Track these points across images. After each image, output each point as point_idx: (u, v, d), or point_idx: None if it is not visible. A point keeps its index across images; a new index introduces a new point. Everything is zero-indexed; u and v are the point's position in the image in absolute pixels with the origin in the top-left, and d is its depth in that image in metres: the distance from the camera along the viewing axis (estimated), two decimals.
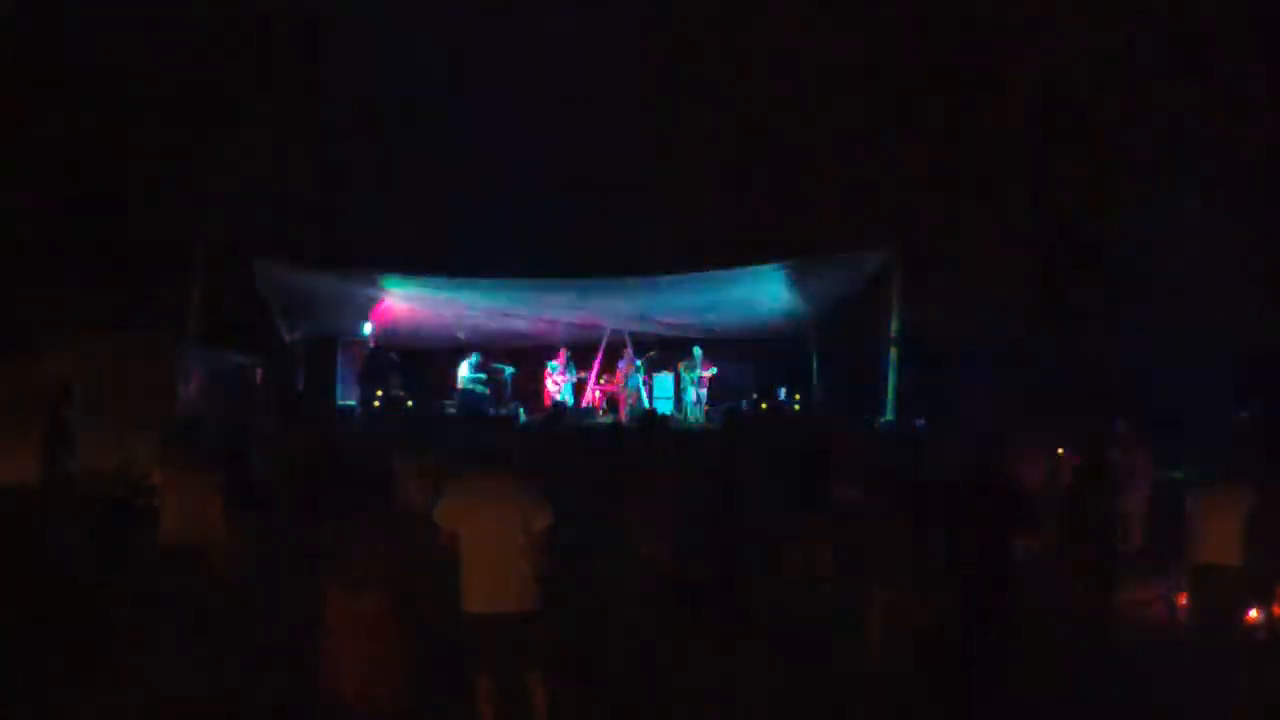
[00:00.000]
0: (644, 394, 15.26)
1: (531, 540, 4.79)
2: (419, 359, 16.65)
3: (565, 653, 5.43)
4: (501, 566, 4.75)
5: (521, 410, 14.69)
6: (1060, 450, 8.32)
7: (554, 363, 15.46)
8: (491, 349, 15.75)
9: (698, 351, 15.24)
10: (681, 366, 15.27)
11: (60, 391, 8.56)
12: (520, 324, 15.81)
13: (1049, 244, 14.57)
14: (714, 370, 15.19)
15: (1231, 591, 5.55)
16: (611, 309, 15.21)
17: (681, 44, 16.07)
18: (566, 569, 5.24)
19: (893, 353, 13.11)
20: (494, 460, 5.02)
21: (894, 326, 13.13)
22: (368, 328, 14.82)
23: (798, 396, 15.12)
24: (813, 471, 7.84)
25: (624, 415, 14.61)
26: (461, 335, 15.22)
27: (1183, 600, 5.96)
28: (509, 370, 15.48)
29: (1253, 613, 6.11)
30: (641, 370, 15.35)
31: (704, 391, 15.16)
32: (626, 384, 15.20)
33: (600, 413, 15.26)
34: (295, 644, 5.98)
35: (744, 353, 16.28)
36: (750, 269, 13.81)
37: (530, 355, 16.02)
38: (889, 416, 12.86)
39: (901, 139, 15.11)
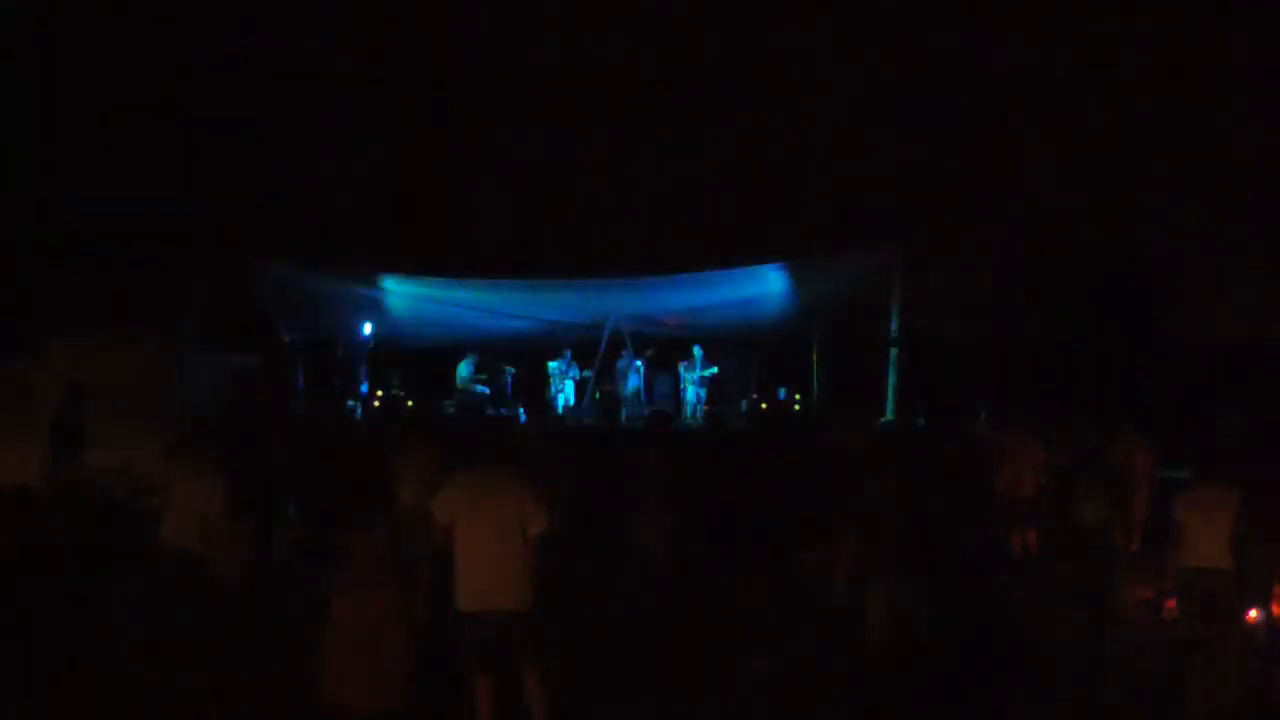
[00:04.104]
0: (643, 394, 15.24)
1: (528, 541, 4.78)
2: (419, 359, 16.64)
3: (566, 652, 5.43)
4: (496, 564, 4.72)
5: (522, 410, 14.68)
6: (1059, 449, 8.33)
7: (556, 362, 15.44)
8: (492, 349, 15.73)
9: (698, 351, 15.21)
10: (682, 366, 15.24)
11: (72, 392, 8.55)
12: (520, 324, 15.80)
13: (1050, 244, 14.58)
14: (714, 370, 15.16)
15: (1220, 594, 5.55)
16: (611, 309, 15.19)
17: (682, 43, 16.09)
18: (566, 568, 5.23)
19: (893, 353, 13.11)
20: (493, 457, 5.02)
21: (894, 326, 13.14)
22: (368, 328, 14.82)
23: (798, 396, 15.12)
24: (812, 473, 7.86)
25: (623, 416, 14.60)
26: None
27: (1172, 604, 5.97)
28: (510, 370, 15.45)
29: (1252, 613, 6.12)
30: (641, 370, 15.32)
31: (703, 391, 15.13)
32: (626, 384, 15.17)
33: (600, 412, 15.22)
34: (296, 644, 5.99)
35: (744, 353, 16.26)
36: (750, 269, 13.81)
37: (531, 355, 15.99)
38: (889, 416, 12.87)
39: (902, 138, 15.13)
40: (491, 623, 4.72)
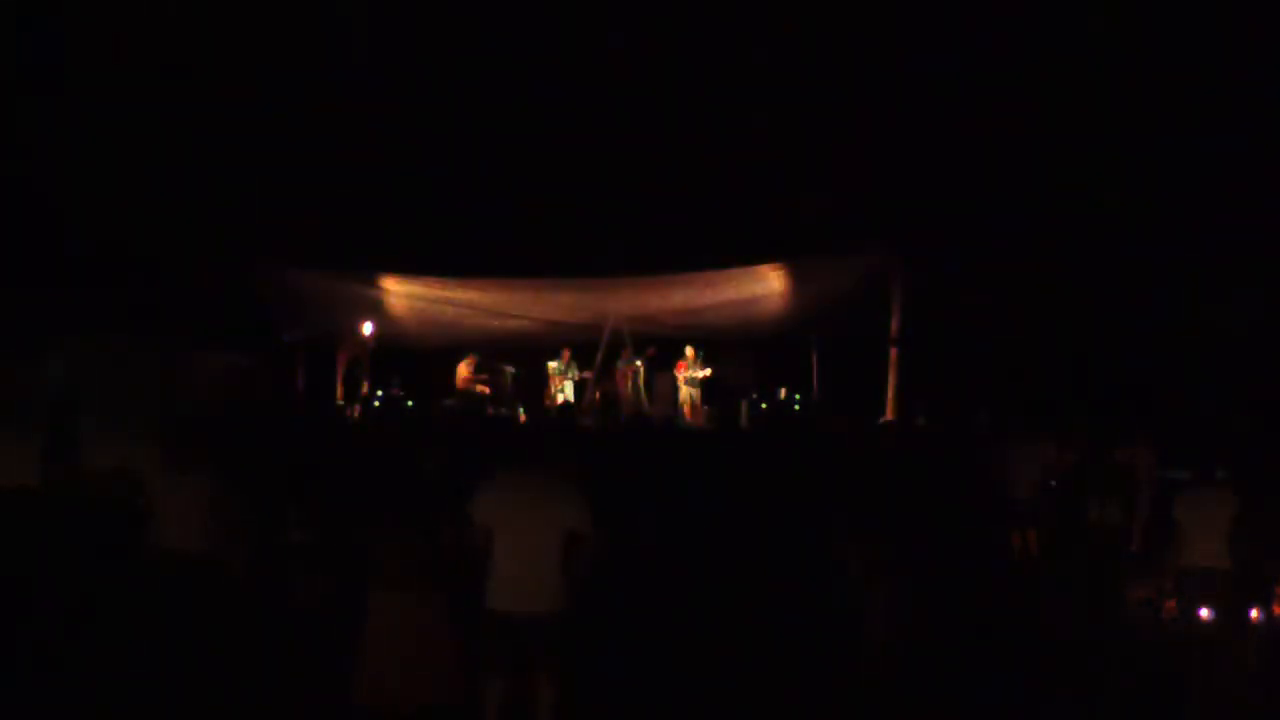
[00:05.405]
0: (643, 394, 15.25)
1: (568, 543, 4.79)
2: (419, 359, 16.65)
3: (578, 654, 5.43)
4: (534, 566, 4.73)
5: (522, 410, 14.69)
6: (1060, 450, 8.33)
7: (555, 362, 15.45)
8: (492, 349, 15.74)
9: (691, 351, 15.23)
10: (682, 366, 15.27)
11: (69, 392, 8.56)
12: (520, 324, 15.81)
13: (1051, 244, 14.56)
14: (709, 371, 15.19)
15: (1219, 594, 5.57)
16: (611, 309, 15.21)
17: (679, 40, 16.07)
18: (596, 572, 5.22)
19: (893, 353, 13.11)
20: (534, 458, 5.03)
21: (894, 326, 13.13)
22: (368, 328, 14.84)
23: (798, 396, 15.13)
24: (813, 473, 7.85)
25: (623, 416, 14.59)
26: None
27: (1172, 604, 5.99)
28: (510, 371, 15.48)
29: (1253, 613, 6.13)
30: (641, 371, 15.33)
31: (698, 392, 15.15)
32: (626, 384, 15.18)
33: (599, 413, 15.22)
34: (307, 646, 5.99)
35: (744, 353, 16.28)
36: (750, 269, 13.81)
37: (531, 355, 16.01)
38: (889, 416, 12.87)
39: (902, 138, 15.11)
40: (521, 624, 4.73)
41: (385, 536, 4.78)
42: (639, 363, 15.30)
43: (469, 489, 5.01)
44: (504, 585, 4.76)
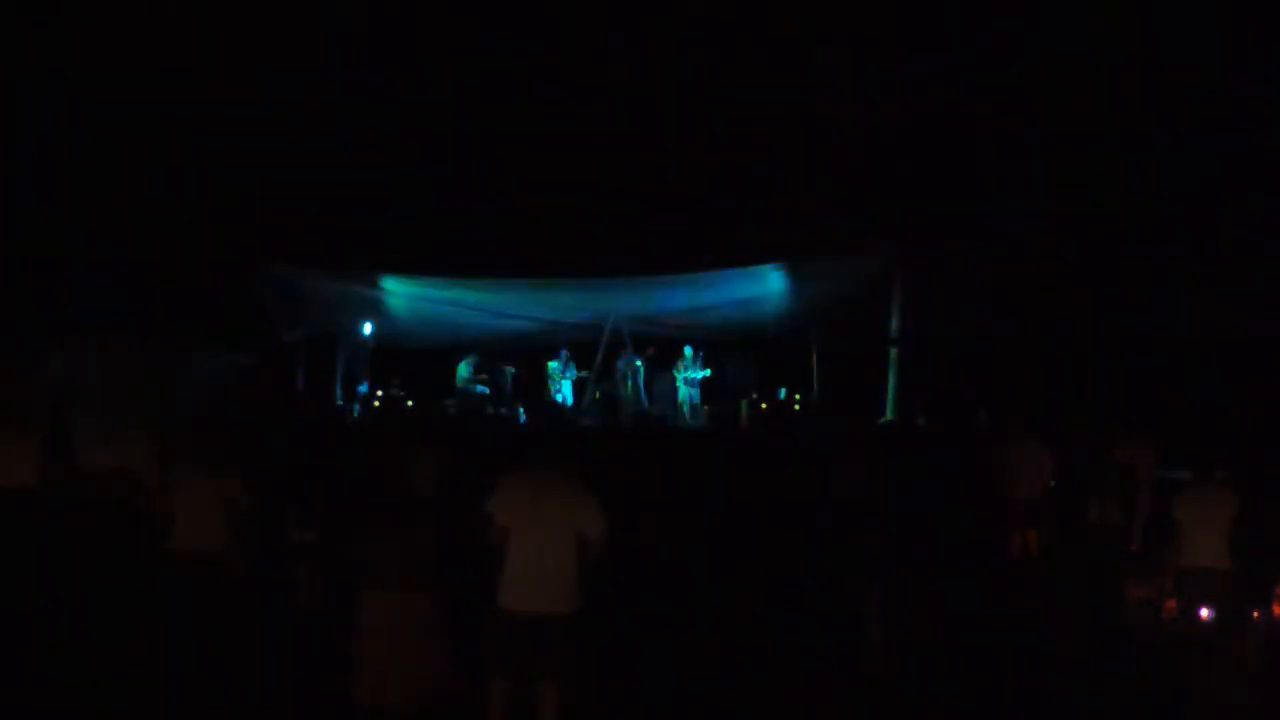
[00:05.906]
0: (642, 394, 15.25)
1: (585, 543, 4.79)
2: (419, 359, 16.65)
3: (580, 654, 5.44)
4: (548, 566, 4.73)
5: (522, 410, 14.69)
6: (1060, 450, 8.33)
7: (554, 362, 15.45)
8: (492, 349, 15.74)
9: (688, 351, 15.22)
10: (680, 367, 15.26)
11: (67, 392, 8.55)
12: (520, 324, 15.81)
13: (1050, 242, 14.56)
14: (707, 372, 15.17)
15: (1219, 594, 5.58)
16: (611, 309, 15.21)
17: (680, 40, 16.07)
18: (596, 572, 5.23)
19: (893, 352, 13.11)
20: (551, 458, 5.03)
21: (894, 326, 13.13)
22: (368, 328, 14.84)
23: (797, 396, 15.13)
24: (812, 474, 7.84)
25: (623, 416, 14.60)
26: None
27: (1172, 604, 6.00)
28: (510, 371, 15.48)
29: (1254, 613, 6.13)
30: (641, 370, 15.33)
31: (696, 392, 15.14)
32: (626, 384, 15.18)
33: (600, 413, 15.23)
34: (313, 645, 5.98)
35: (744, 353, 16.27)
36: (750, 269, 13.81)
37: (531, 355, 16.00)
38: (889, 416, 12.88)
39: (902, 138, 15.10)
40: (529, 623, 4.72)
41: (384, 536, 4.78)
42: (639, 363, 15.29)
43: (475, 489, 5.01)
44: (516, 586, 4.75)
